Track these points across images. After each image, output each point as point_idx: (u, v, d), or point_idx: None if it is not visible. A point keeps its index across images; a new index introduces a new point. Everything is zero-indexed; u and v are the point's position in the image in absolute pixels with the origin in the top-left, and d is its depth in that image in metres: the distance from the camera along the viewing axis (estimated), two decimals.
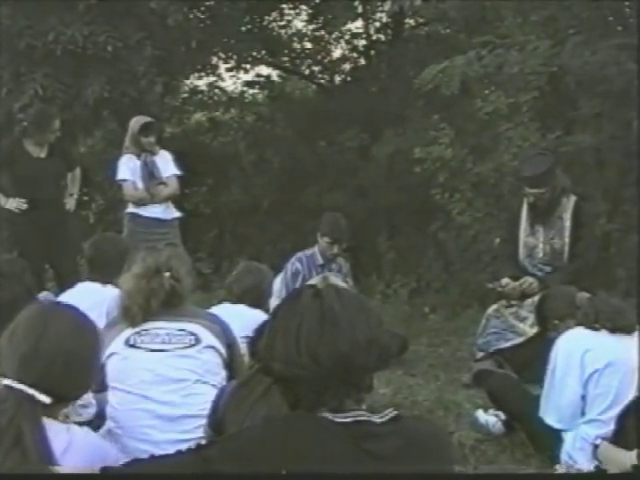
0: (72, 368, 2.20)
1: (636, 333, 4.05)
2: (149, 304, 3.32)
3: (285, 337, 1.88)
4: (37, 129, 6.23)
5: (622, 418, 3.74)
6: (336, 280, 4.27)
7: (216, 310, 4.03)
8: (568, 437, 4.01)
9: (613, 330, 3.98)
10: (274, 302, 4.52)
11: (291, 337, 1.87)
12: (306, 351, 1.84)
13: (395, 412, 1.92)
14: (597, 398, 3.94)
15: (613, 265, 6.67)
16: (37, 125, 6.24)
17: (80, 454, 2.13)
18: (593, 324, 4.03)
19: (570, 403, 4.01)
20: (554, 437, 4.07)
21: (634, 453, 3.43)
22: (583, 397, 3.99)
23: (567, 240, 5.40)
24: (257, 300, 4.47)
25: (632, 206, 6.83)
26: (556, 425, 4.05)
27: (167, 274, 3.34)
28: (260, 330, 1.95)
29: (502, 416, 4.51)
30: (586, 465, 3.88)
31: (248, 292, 4.50)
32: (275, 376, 1.93)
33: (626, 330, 4.00)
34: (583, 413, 4.00)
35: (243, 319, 3.83)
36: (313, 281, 4.21)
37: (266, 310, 4.34)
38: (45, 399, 2.13)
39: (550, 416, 4.08)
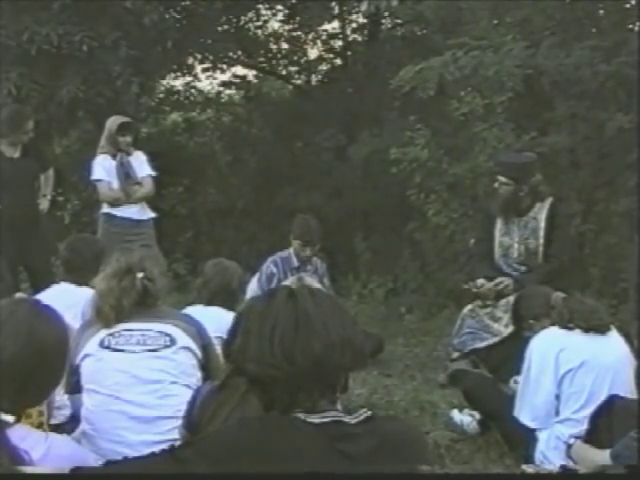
0: (34, 374, 2.15)
1: (610, 332, 4.08)
2: (121, 304, 3.31)
3: (259, 338, 1.88)
4: (10, 129, 6.17)
5: (595, 418, 3.77)
6: (311, 281, 4.27)
7: (189, 311, 4.01)
8: (542, 436, 4.04)
9: (587, 330, 4.01)
10: None
11: (265, 338, 1.87)
12: (280, 352, 1.85)
13: (369, 412, 1.93)
14: (571, 397, 3.97)
15: (587, 265, 6.72)
16: (10, 125, 6.18)
17: (58, 462, 2.09)
18: (567, 324, 4.06)
19: (545, 402, 4.03)
20: (528, 436, 4.08)
21: (607, 452, 3.46)
22: (557, 396, 4.01)
23: (541, 241, 5.44)
24: (228, 300, 4.42)
25: (605, 207, 6.89)
26: (531, 424, 4.07)
27: (140, 274, 3.34)
28: (233, 331, 1.95)
29: (477, 416, 4.53)
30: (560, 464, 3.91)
31: (218, 294, 4.44)
32: (249, 377, 1.93)
33: (600, 330, 4.03)
34: (557, 412, 4.03)
35: (217, 321, 3.82)
36: (288, 282, 4.21)
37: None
38: (9, 419, 2.10)
39: (525, 415, 4.10)
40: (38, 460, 2.06)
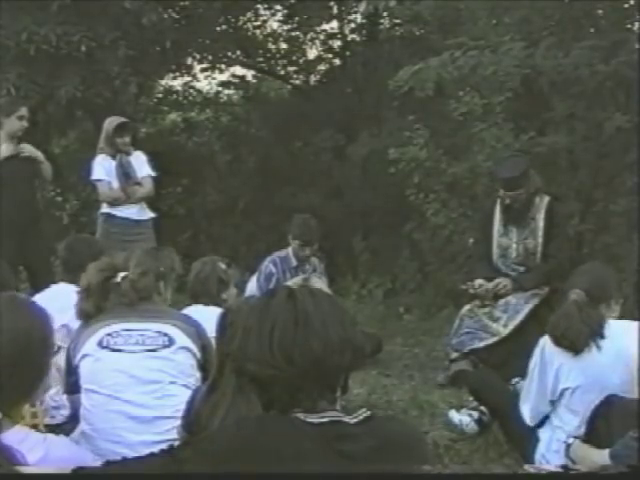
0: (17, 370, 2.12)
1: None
2: (103, 302, 3.33)
3: (259, 337, 1.88)
4: (5, 114, 6.16)
5: (593, 417, 3.75)
6: (317, 282, 4.26)
7: (189, 311, 4.01)
8: (544, 437, 4.00)
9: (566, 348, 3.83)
10: None
11: (265, 337, 1.86)
12: (279, 351, 1.85)
13: (368, 412, 1.93)
14: (567, 413, 3.89)
15: None
16: (5, 111, 6.17)
17: (57, 464, 2.08)
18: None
19: (544, 406, 3.98)
20: (531, 436, 4.04)
21: (605, 452, 3.45)
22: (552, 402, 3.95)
23: (540, 240, 5.44)
24: (211, 298, 4.35)
25: (604, 206, 6.89)
26: (527, 420, 4.02)
27: (123, 273, 3.35)
28: (222, 329, 1.95)
29: (475, 415, 4.51)
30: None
31: (197, 294, 4.39)
32: (249, 376, 1.92)
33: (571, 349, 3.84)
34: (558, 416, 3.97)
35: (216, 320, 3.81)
36: (293, 281, 4.20)
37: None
38: None
39: (524, 411, 4.04)
40: (37, 462, 2.04)
